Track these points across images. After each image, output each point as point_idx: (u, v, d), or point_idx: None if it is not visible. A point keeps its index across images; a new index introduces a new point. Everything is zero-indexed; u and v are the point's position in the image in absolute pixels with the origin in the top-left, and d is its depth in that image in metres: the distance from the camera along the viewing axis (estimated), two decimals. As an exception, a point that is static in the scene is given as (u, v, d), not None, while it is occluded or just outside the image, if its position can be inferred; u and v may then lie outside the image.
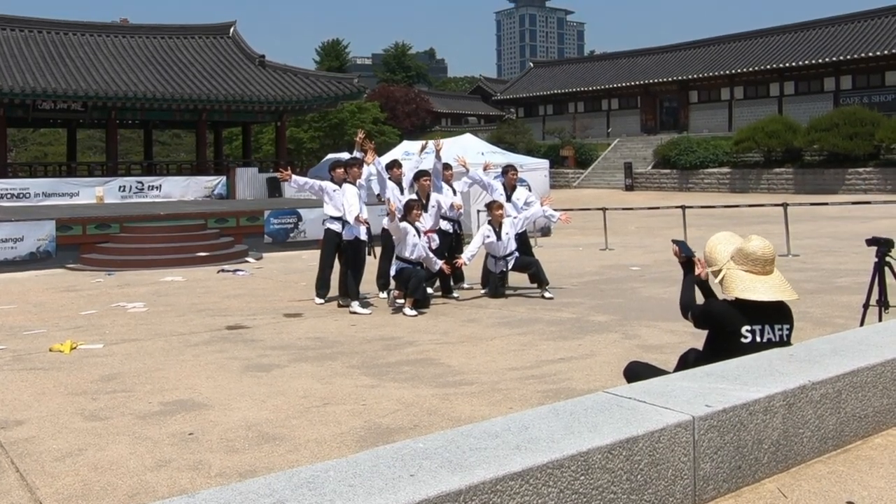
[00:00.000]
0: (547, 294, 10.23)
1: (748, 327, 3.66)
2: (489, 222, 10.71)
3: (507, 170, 11.51)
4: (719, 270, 3.77)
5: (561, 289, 11.08)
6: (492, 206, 10.68)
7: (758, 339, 3.66)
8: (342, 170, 10.18)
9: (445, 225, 11.23)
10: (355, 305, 9.66)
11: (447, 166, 11.25)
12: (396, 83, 74.06)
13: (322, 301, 10.35)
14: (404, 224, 9.73)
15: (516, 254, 10.64)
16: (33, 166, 33.33)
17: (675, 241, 4.23)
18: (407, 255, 9.77)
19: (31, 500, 4.03)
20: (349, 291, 9.85)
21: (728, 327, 3.68)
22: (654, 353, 6.63)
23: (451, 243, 11.24)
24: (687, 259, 4.10)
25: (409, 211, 9.92)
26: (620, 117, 55.21)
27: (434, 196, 10.69)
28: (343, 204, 9.91)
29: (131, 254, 17.74)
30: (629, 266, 13.95)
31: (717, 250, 3.85)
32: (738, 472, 2.84)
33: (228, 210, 21.46)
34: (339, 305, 10.02)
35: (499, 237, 10.47)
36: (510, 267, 10.60)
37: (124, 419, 5.39)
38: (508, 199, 11.11)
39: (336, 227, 10.14)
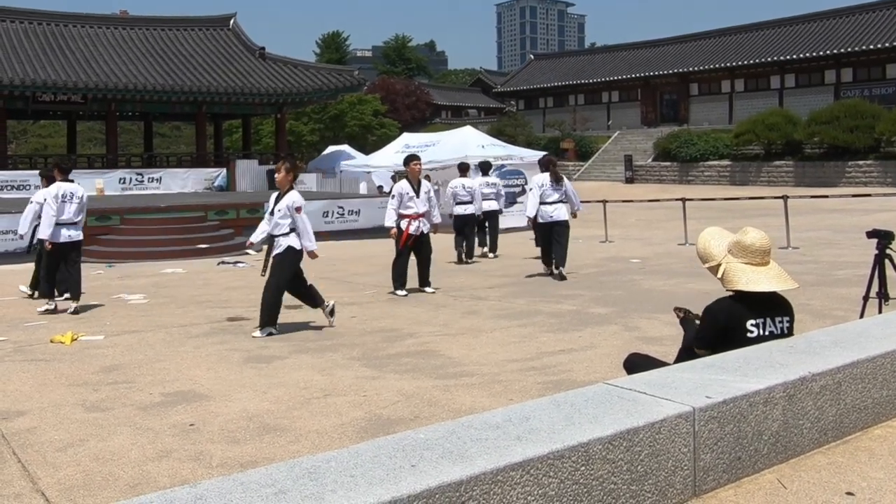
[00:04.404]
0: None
1: (752, 321, 3.65)
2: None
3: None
4: (717, 266, 3.76)
5: (561, 281, 11.10)
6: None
7: (761, 332, 3.66)
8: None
9: (469, 209, 14.79)
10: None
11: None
12: (397, 75, 73.79)
13: (405, 293, 10.43)
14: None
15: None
16: (33, 158, 33.26)
17: (676, 309, 4.32)
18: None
19: (32, 490, 4.04)
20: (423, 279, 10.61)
21: (731, 323, 3.67)
22: (653, 344, 6.64)
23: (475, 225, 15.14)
24: (685, 314, 4.15)
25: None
26: (621, 110, 55.10)
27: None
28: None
29: (131, 246, 17.75)
30: (629, 258, 13.96)
31: (711, 245, 3.84)
32: (738, 463, 2.85)
33: (228, 202, 21.46)
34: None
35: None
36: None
37: (125, 410, 5.40)
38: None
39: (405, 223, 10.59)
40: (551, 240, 11.54)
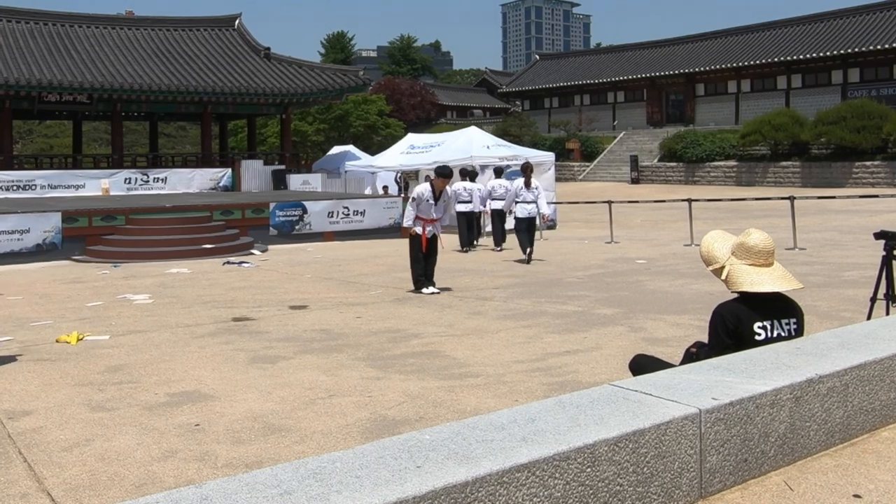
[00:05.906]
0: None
1: (759, 324, 3.63)
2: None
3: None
4: (721, 268, 3.75)
5: (566, 282, 11.08)
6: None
7: (768, 334, 3.64)
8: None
9: (469, 207, 17.47)
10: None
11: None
12: (402, 76, 73.92)
13: (438, 291, 10.63)
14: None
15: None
16: (39, 158, 33.41)
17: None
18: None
19: (38, 489, 4.05)
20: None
21: (739, 326, 3.65)
22: (659, 346, 6.63)
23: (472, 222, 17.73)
24: (697, 349, 4.15)
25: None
26: (626, 110, 55.06)
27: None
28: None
29: (137, 245, 17.78)
30: (635, 259, 13.94)
31: (714, 248, 3.83)
32: (744, 465, 2.84)
33: (234, 202, 21.47)
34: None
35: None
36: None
37: (131, 410, 5.41)
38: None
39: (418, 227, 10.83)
40: (526, 231, 14.37)
